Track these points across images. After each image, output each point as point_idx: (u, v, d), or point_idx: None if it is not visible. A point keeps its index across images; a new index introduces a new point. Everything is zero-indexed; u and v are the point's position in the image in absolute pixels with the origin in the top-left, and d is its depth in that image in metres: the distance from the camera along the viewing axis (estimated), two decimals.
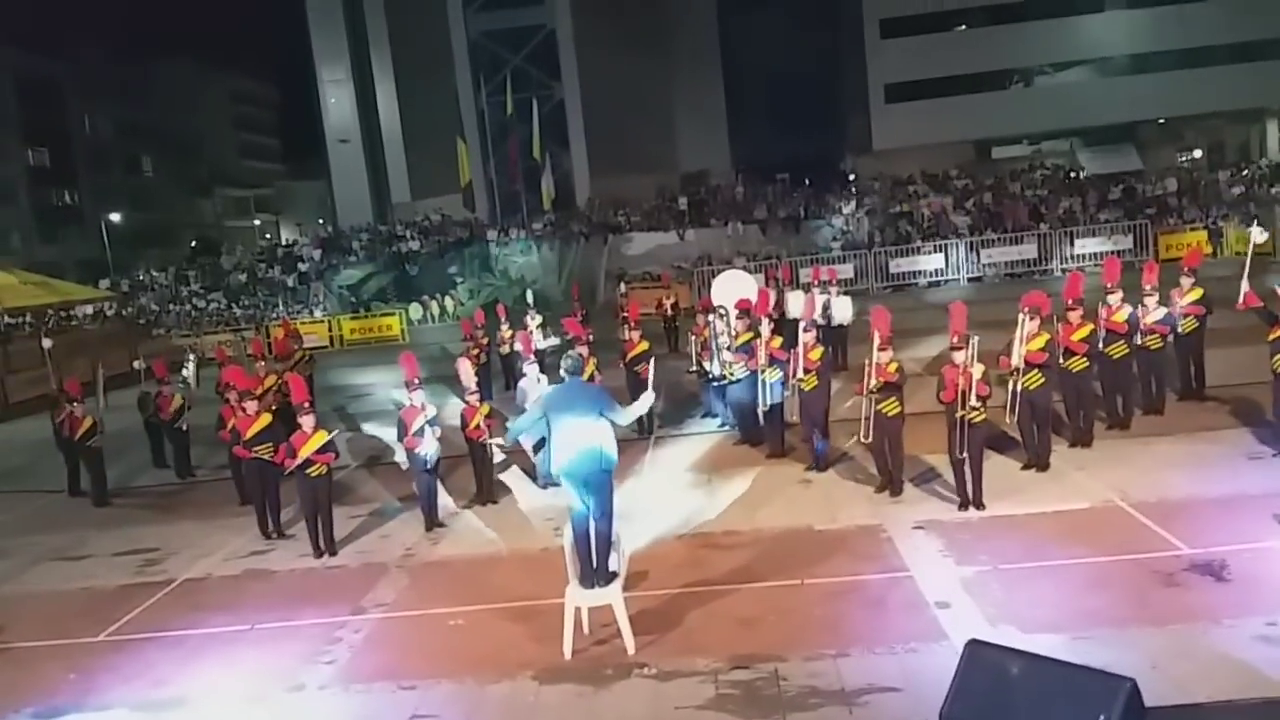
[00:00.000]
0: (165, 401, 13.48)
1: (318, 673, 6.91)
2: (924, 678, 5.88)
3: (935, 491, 9.39)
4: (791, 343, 10.79)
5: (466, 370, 10.93)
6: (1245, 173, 33.44)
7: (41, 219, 55.84)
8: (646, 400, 7.32)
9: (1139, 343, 10.83)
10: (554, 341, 16.50)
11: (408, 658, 7.02)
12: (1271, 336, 9.46)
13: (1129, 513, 8.25)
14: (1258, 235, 9.86)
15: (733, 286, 14.42)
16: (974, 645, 3.01)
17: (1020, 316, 9.38)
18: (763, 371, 10.89)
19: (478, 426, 10.33)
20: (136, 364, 16.00)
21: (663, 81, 45.60)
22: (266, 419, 10.27)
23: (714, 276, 18.67)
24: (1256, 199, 29.54)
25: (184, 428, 13.53)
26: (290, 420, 10.10)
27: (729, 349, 11.75)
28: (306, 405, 9.64)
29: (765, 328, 11.26)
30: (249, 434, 10.06)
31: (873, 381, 9.17)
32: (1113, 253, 24.26)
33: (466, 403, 10.51)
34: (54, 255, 50.63)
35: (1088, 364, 10.23)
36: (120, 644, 7.81)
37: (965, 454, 8.63)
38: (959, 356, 8.63)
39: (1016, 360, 9.28)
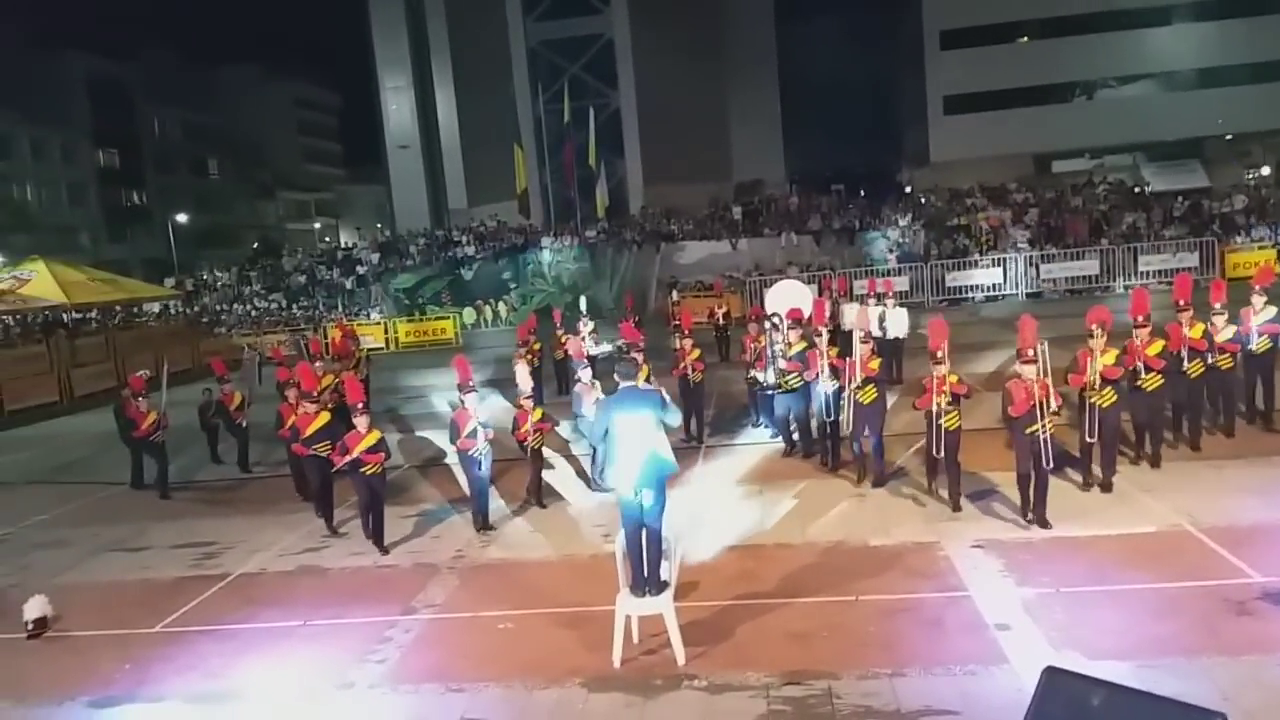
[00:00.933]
0: (227, 398, 13.74)
1: (368, 671, 6.93)
2: (983, 701, 5.72)
3: (993, 510, 9.16)
4: (846, 354, 10.64)
5: (523, 373, 10.96)
6: None
7: (110, 218, 57.64)
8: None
9: (1210, 362, 10.49)
10: (606, 348, 16.50)
11: (457, 659, 7.01)
12: None
13: (1198, 537, 7.96)
14: None
15: (787, 296, 14.27)
16: (1051, 672, 2.87)
17: (1094, 330, 9.13)
18: (821, 383, 10.76)
19: (533, 429, 10.34)
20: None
21: (718, 91, 45.62)
22: (325, 417, 10.43)
23: (766, 286, 18.52)
24: None
25: (244, 424, 13.78)
26: (346, 420, 10.21)
27: (784, 358, 11.62)
28: (360, 406, 9.73)
29: (823, 339, 11.12)
30: (308, 431, 10.20)
31: (943, 397, 8.98)
32: (1181, 270, 23.59)
33: (520, 406, 10.52)
34: (121, 254, 52.28)
35: (1162, 381, 9.93)
36: (175, 635, 7.92)
37: (1037, 469, 8.42)
38: (1029, 370, 8.42)
39: (1091, 376, 9.03)
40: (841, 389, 10.41)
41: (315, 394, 11.07)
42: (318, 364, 14.49)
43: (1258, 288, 11.26)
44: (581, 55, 43.31)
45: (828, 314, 14.25)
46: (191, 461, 14.53)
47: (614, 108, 42.99)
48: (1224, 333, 10.67)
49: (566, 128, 38.04)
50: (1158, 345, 9.92)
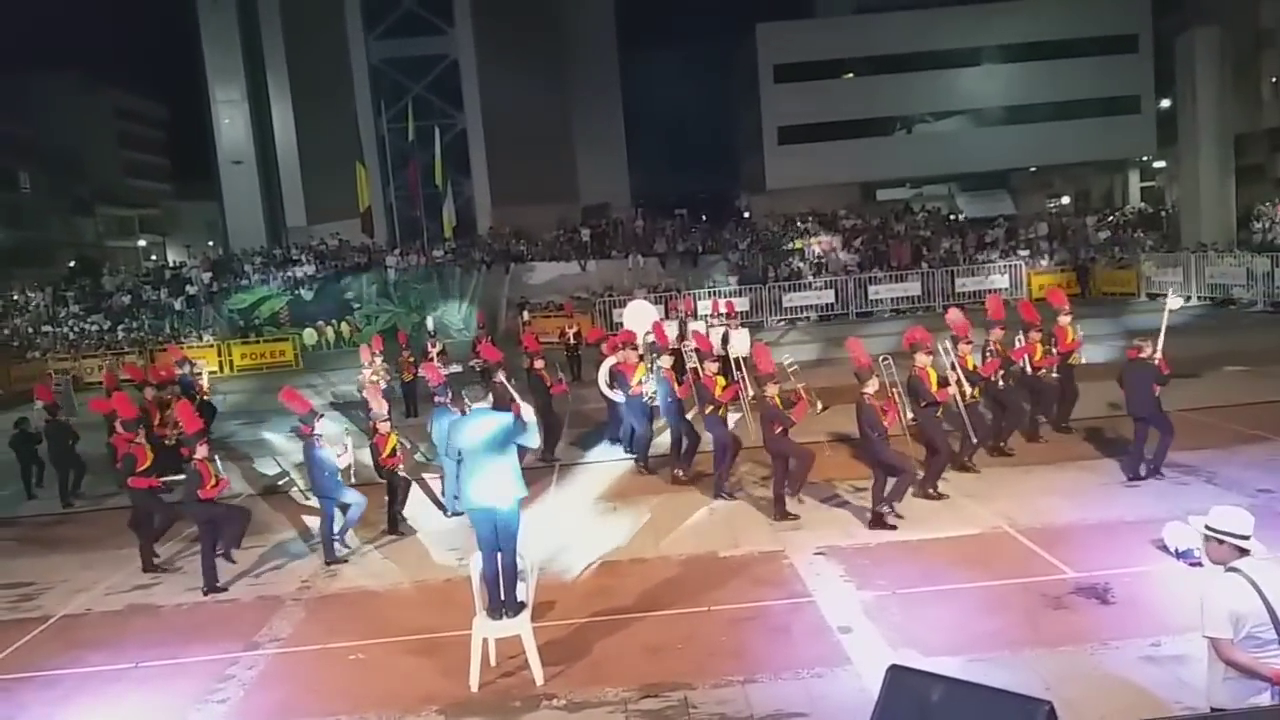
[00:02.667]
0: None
1: (209, 713, 6.61)
2: (830, 702, 6.02)
3: (834, 517, 9.63)
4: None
5: (376, 398, 10.73)
6: (1111, 218, 35.75)
7: None
8: (527, 410, 7.34)
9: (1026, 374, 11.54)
10: (456, 368, 16.31)
11: (306, 694, 6.79)
12: None
13: (1016, 538, 8.64)
14: (1173, 302, 10.45)
15: (641, 315, 14.63)
16: (895, 670, 3.10)
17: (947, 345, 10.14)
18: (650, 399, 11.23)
19: (392, 454, 10.13)
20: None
21: (564, 115, 45.99)
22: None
23: (617, 307, 18.81)
24: (1122, 242, 31.59)
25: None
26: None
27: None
28: (195, 435, 9.34)
29: (665, 359, 11.55)
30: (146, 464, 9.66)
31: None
32: (992, 291, 25.43)
33: (377, 431, 10.29)
34: None
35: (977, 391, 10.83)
36: None
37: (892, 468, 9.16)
38: (873, 385, 9.10)
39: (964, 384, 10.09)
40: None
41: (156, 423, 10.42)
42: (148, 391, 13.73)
43: (1065, 308, 12.35)
44: (426, 75, 42.68)
45: (675, 335, 14.71)
46: (7, 496, 13.41)
47: (460, 128, 42.57)
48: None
49: (411, 146, 37.43)
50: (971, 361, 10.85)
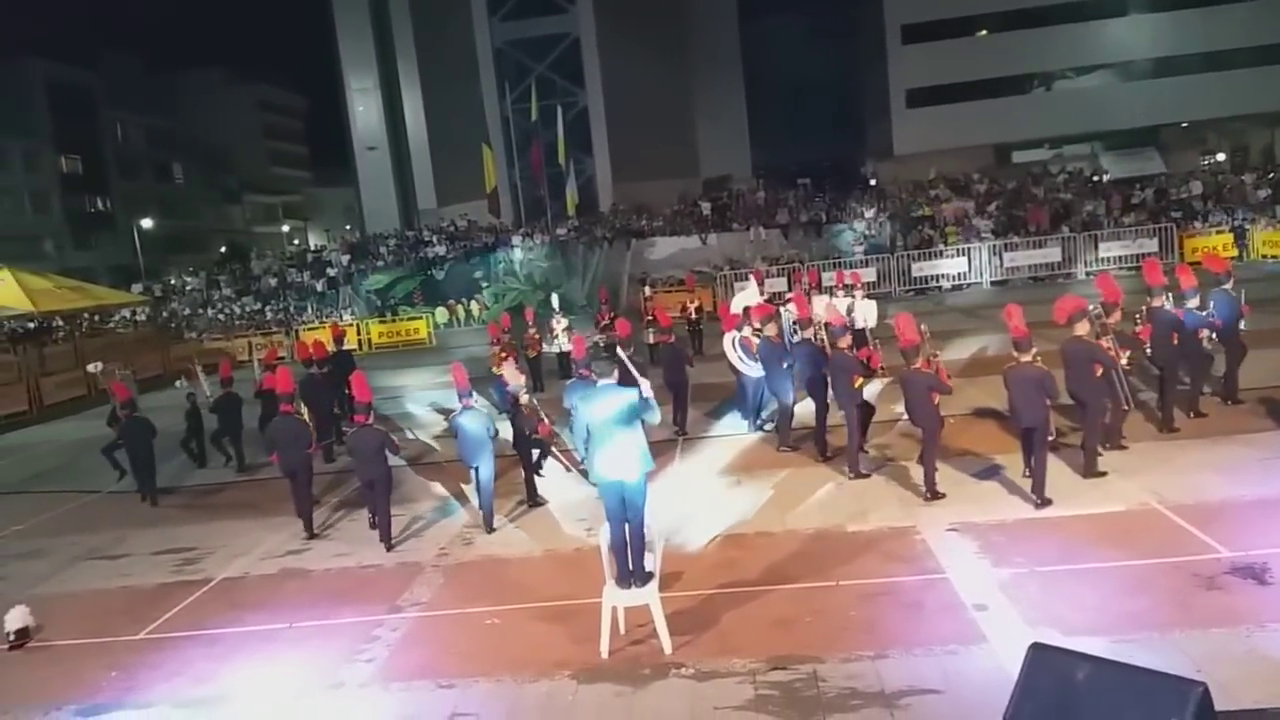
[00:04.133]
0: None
1: (357, 671, 6.97)
2: (964, 680, 5.88)
3: (969, 493, 9.35)
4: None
5: (513, 372, 11.03)
6: (1271, 175, 33.11)
7: (74, 225, 56.76)
8: (645, 385, 7.26)
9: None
10: (599, 339, 16.63)
11: (446, 656, 7.08)
12: None
13: (1166, 515, 8.19)
14: None
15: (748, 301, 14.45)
16: (1037, 648, 2.99)
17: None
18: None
19: (542, 421, 10.45)
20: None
21: (684, 88, 45.78)
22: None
23: (738, 279, 18.68)
24: None
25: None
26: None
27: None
28: (362, 405, 9.94)
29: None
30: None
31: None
32: (1147, 255, 23.98)
33: (519, 402, 10.58)
34: (87, 261, 51.50)
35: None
36: (159, 642, 7.91)
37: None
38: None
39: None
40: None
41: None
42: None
43: (1224, 273, 11.55)
44: (548, 54, 43.26)
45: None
46: (171, 467, 14.45)
47: (581, 106, 42.99)
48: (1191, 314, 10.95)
49: (534, 126, 38.01)
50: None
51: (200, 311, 35.26)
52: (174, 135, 64.87)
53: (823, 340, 11.31)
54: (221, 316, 34.30)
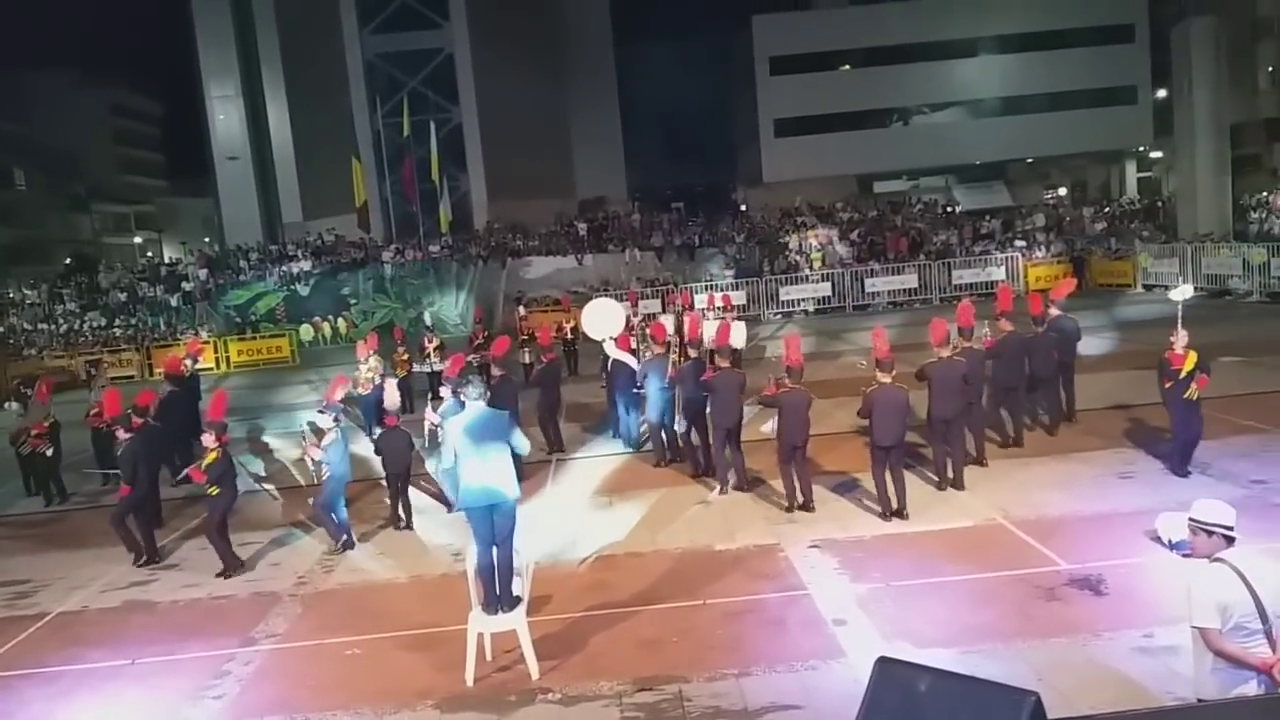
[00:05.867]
0: (36, 425, 12.74)
1: (204, 708, 6.63)
2: (824, 694, 6.05)
3: (832, 511, 9.65)
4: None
5: (393, 393, 10.79)
6: (1107, 209, 35.74)
7: None
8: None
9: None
10: (473, 360, 16.36)
11: (302, 690, 6.80)
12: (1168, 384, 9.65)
13: (1011, 530, 8.66)
14: (1181, 293, 10.16)
15: (603, 315, 14.56)
16: (883, 662, 3.10)
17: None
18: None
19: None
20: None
21: (561, 108, 45.92)
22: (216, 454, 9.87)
23: (619, 302, 18.78)
24: (1118, 233, 31.59)
25: (48, 452, 12.78)
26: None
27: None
28: (210, 423, 9.50)
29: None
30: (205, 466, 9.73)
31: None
32: (999, 283, 25.37)
33: (387, 424, 10.38)
34: None
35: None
36: None
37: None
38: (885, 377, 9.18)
39: None
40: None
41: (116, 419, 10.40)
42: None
43: (1056, 300, 12.40)
44: (421, 69, 42.58)
45: (672, 328, 14.76)
46: (2, 493, 13.43)
47: (456, 123, 42.47)
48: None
49: (406, 141, 37.29)
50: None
51: (41, 326, 32.92)
52: (17, 138, 60.51)
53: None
54: (68, 332, 32.10)
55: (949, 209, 37.86)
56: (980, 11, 41.17)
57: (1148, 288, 26.54)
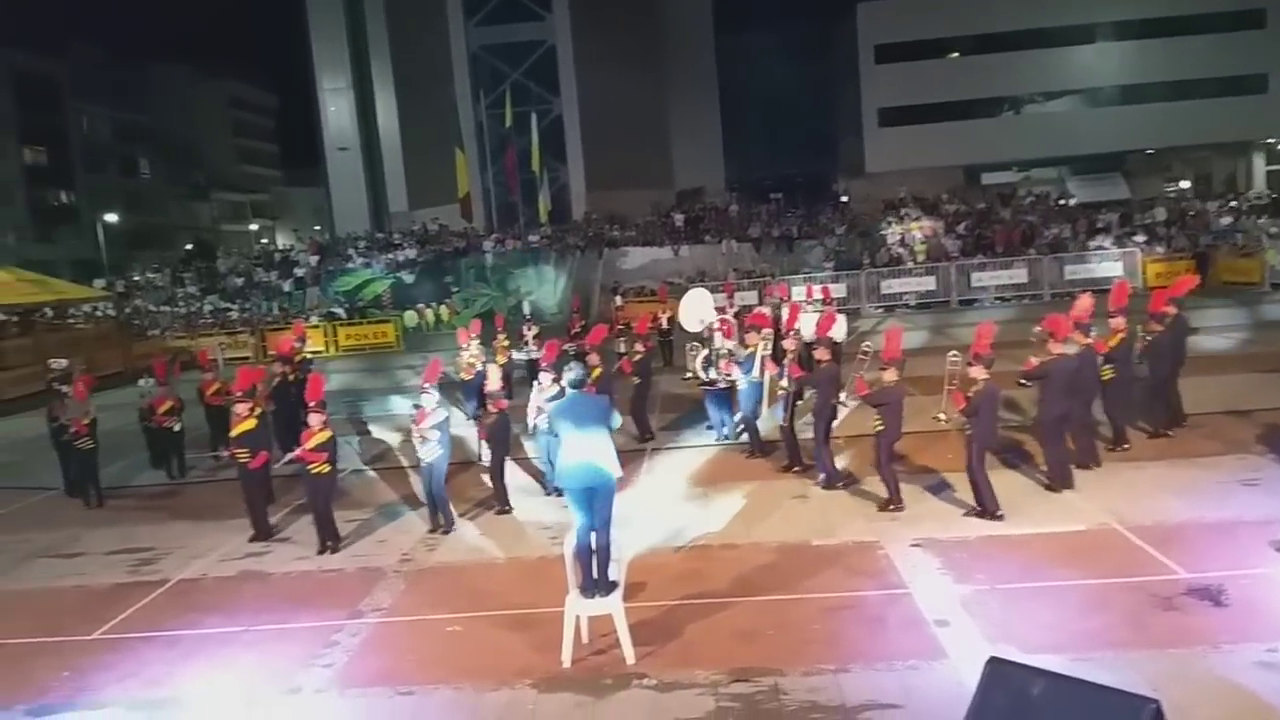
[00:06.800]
0: (158, 402, 13.43)
1: (314, 676, 6.88)
2: (924, 694, 5.92)
3: (931, 509, 9.43)
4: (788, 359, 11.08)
5: (496, 378, 11.02)
6: (1233, 203, 33.84)
7: (37, 218, 55.77)
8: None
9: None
10: (569, 348, 16.57)
11: (405, 663, 7.00)
12: None
13: (1125, 536, 8.30)
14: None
15: (696, 305, 14.51)
16: (995, 663, 3.02)
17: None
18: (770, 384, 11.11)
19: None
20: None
21: (660, 99, 45.95)
22: (251, 423, 10.26)
23: (714, 293, 18.74)
24: (1244, 229, 29.89)
25: (175, 428, 13.46)
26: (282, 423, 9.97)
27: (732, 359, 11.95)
28: (315, 404, 9.73)
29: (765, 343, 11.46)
30: (233, 434, 10.10)
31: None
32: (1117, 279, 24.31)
33: (491, 408, 10.58)
34: (49, 254, 50.53)
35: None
36: (114, 642, 7.76)
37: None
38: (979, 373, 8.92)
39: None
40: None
41: (246, 394, 10.81)
42: (275, 365, 14.43)
43: (1169, 299, 11.79)
44: (523, 61, 43.24)
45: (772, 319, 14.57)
46: (129, 465, 14.19)
47: (556, 114, 43.00)
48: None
49: (508, 132, 37.95)
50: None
51: (164, 309, 34.72)
52: (142, 129, 63.98)
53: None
54: (188, 315, 33.79)
55: (1062, 201, 36.43)
56: None
57: (1276, 286, 25.05)
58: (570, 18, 42.35)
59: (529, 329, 18.09)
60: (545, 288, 32.99)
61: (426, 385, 10.16)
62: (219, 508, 11.41)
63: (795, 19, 48.65)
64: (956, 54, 41.96)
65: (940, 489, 9.98)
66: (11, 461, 15.86)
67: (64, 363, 19.79)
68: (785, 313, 14.24)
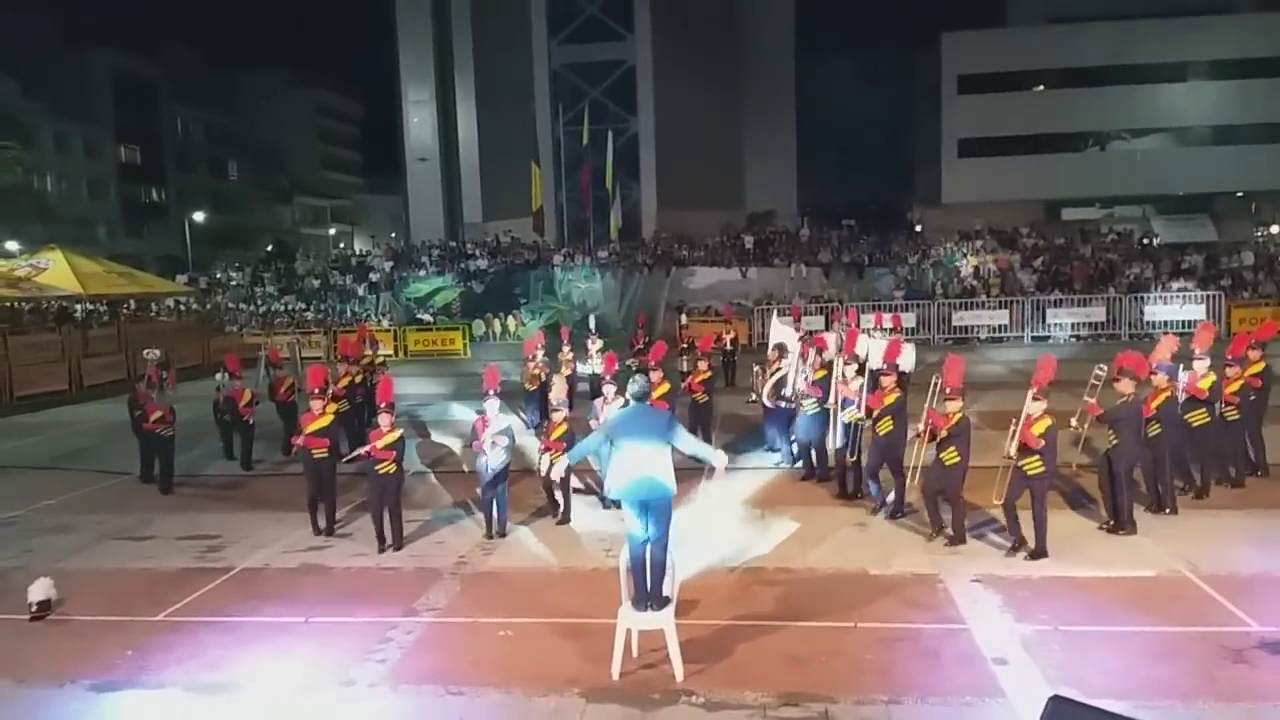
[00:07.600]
0: (237, 395, 13.84)
1: (368, 670, 6.99)
2: None
3: (995, 544, 9.22)
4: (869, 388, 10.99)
5: (560, 389, 11.10)
6: None
7: (128, 213, 58.13)
8: (716, 455, 7.37)
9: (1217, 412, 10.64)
10: (630, 364, 16.64)
11: (457, 663, 7.07)
12: None
13: (1196, 584, 8.01)
14: None
15: (780, 331, 14.37)
16: (1057, 701, 2.94)
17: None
18: (840, 411, 10.99)
19: (558, 440, 10.48)
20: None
21: (735, 121, 46.05)
22: (327, 419, 10.49)
23: (780, 316, 18.62)
24: None
25: (250, 421, 13.86)
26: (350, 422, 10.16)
27: (808, 381, 11.84)
28: (385, 405, 9.94)
29: (844, 369, 11.36)
30: (308, 429, 10.35)
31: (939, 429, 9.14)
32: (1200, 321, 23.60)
33: (551, 420, 10.67)
34: (137, 249, 52.64)
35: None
36: (177, 625, 7.98)
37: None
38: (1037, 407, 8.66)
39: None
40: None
41: (322, 391, 11.05)
42: (342, 365, 14.79)
43: (1255, 341, 11.39)
44: (603, 80, 43.76)
45: (833, 345, 14.41)
46: (201, 455, 14.63)
47: (632, 132, 43.37)
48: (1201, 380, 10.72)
49: (584, 149, 38.39)
50: (1163, 396, 10.05)
51: (243, 306, 35.82)
52: (231, 132, 66.36)
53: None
54: (266, 313, 34.81)
55: (1146, 240, 35.46)
56: (1189, 34, 38.55)
57: None
58: (651, 38, 42.77)
59: (594, 343, 18.19)
60: (611, 304, 33.20)
61: (490, 392, 10.27)
62: (284, 501, 11.69)
63: (878, 46, 48.55)
64: (1041, 87, 41.27)
65: (997, 525, 9.74)
66: (89, 446, 16.46)
67: (157, 352, 20.50)
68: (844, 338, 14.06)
